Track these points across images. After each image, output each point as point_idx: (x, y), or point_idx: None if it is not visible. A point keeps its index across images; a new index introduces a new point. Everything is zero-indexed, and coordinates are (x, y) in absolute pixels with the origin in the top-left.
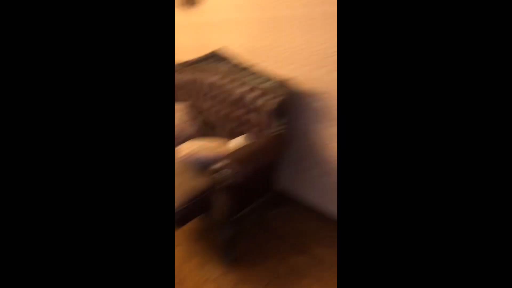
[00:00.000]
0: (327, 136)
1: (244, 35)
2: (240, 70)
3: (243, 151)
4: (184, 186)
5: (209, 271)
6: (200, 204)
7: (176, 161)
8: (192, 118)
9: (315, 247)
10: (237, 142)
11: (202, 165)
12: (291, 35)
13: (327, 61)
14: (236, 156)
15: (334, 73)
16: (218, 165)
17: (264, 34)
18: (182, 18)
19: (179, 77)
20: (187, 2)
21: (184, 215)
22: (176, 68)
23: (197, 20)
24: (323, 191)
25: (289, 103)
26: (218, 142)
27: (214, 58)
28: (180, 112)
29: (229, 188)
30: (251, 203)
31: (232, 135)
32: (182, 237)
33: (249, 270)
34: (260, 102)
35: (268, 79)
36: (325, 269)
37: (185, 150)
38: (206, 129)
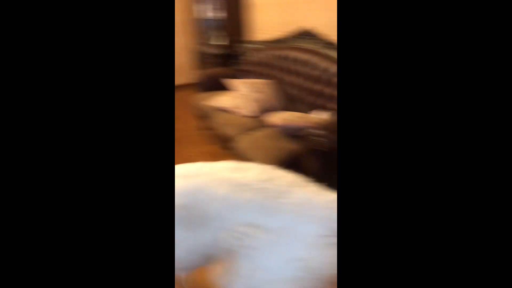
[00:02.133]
0: None
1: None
2: (326, 46)
3: (333, 122)
4: (279, 149)
5: None
6: (291, 165)
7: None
8: (277, 92)
9: None
10: (321, 115)
11: (295, 132)
12: None
13: None
14: (329, 125)
15: None
16: (314, 131)
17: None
18: None
19: (265, 53)
20: None
21: None
22: (261, 45)
23: None
24: None
25: None
26: (304, 114)
27: (302, 35)
28: (267, 86)
29: (320, 152)
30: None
31: (312, 108)
32: None
33: None
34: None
35: None
36: None
37: (278, 119)
38: (286, 103)
